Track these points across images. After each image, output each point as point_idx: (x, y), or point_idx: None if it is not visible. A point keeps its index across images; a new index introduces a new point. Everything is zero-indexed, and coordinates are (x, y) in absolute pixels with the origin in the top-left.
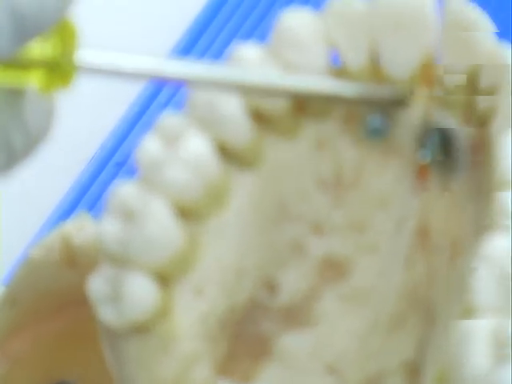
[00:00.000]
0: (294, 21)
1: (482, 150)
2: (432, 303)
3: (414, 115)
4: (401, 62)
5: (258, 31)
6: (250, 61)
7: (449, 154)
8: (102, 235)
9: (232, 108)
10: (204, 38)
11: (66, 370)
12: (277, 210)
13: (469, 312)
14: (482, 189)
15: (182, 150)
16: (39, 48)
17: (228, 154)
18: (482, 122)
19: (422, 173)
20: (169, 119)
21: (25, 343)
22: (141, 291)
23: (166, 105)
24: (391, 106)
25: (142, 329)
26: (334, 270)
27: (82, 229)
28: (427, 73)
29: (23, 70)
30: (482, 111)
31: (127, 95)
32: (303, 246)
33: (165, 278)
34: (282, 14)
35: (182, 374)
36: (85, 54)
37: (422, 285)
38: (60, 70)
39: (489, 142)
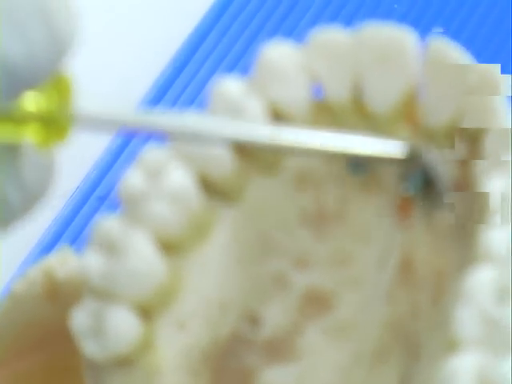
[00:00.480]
0: (276, 53)
1: (466, 187)
2: (416, 337)
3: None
4: (384, 97)
5: (240, 64)
6: (231, 94)
7: (432, 190)
8: (85, 269)
9: None
10: (186, 72)
11: None
12: (260, 244)
13: (452, 346)
14: (466, 225)
15: (165, 184)
16: (34, 101)
17: (210, 188)
18: (464, 160)
19: (404, 207)
20: (151, 152)
21: (6, 377)
22: (124, 324)
23: (148, 137)
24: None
25: (125, 362)
26: (317, 303)
27: (64, 263)
28: (410, 109)
29: (18, 124)
30: (464, 150)
31: None
32: (286, 280)
33: (147, 312)
34: (264, 47)
35: None
36: (80, 107)
37: (406, 319)
38: (56, 123)
39: (473, 181)
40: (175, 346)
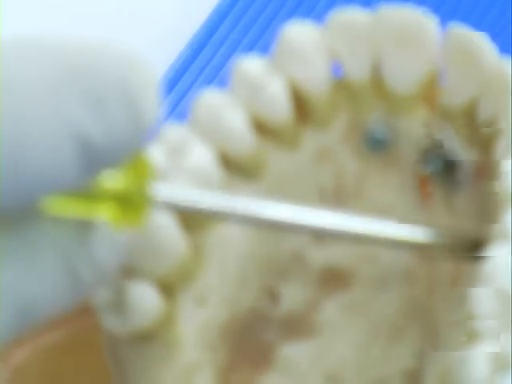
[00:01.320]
0: (297, 33)
1: (485, 172)
2: (432, 314)
3: (417, 129)
4: (403, 78)
5: (260, 43)
6: (252, 72)
7: (451, 171)
8: None
9: (236, 119)
10: (205, 52)
11: (68, 380)
12: None
13: (470, 327)
14: (484, 209)
15: (186, 161)
16: (112, 180)
17: (231, 165)
18: (484, 144)
19: (424, 186)
20: (173, 130)
21: (26, 353)
22: (145, 300)
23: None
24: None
25: (145, 337)
26: (334, 280)
27: None
28: (429, 90)
29: (94, 201)
30: (484, 134)
31: None
32: (304, 257)
33: (168, 288)
34: (284, 27)
35: (183, 383)
36: (158, 188)
37: (423, 297)
38: (133, 204)
39: (492, 166)
40: (195, 321)
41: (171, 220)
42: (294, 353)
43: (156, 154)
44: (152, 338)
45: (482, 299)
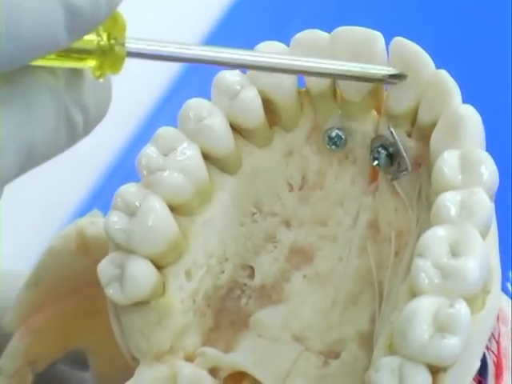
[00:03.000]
0: (268, 51)
1: (423, 161)
2: (382, 284)
3: (367, 129)
4: (356, 87)
5: None
6: (229, 84)
7: (395, 162)
8: (109, 227)
9: (216, 123)
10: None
11: (80, 340)
12: (253, 207)
13: (412, 291)
14: (422, 193)
15: (177, 158)
16: (94, 36)
17: (212, 161)
18: (423, 137)
19: (373, 175)
20: (165, 131)
21: (45, 318)
22: (141, 273)
23: None
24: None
25: (141, 304)
26: (300, 256)
27: (93, 223)
28: (377, 97)
29: (80, 54)
30: (423, 129)
31: None
32: (275, 237)
33: (161, 263)
34: (258, 46)
35: (175, 342)
36: (133, 42)
37: (374, 269)
38: (112, 56)
39: (428, 155)
40: (183, 292)
41: (164, 206)
42: (267, 317)
43: (151, 151)
44: (147, 305)
45: (422, 270)
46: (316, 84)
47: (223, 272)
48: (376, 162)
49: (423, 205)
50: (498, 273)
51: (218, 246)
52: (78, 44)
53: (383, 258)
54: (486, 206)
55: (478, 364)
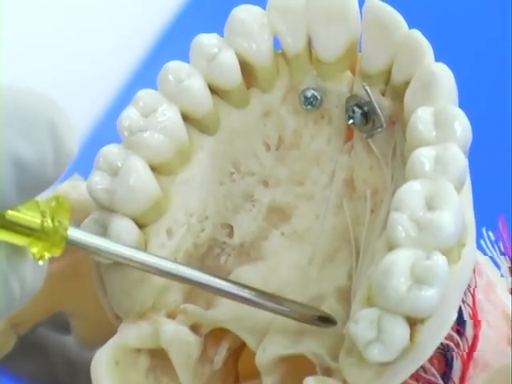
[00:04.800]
0: (244, 14)
1: (397, 119)
2: (359, 241)
3: (342, 89)
4: (330, 48)
5: None
6: (207, 46)
7: (369, 120)
8: (92, 187)
9: (196, 84)
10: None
11: (63, 303)
12: (232, 167)
13: (389, 245)
14: (397, 150)
15: (157, 119)
16: (38, 218)
17: (191, 121)
18: (397, 96)
19: (348, 134)
20: (145, 93)
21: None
22: (124, 231)
23: None
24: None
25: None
26: (278, 214)
27: (75, 187)
28: (351, 57)
29: (24, 235)
30: (397, 88)
31: None
32: (253, 196)
33: (143, 222)
34: (235, 9)
35: (157, 300)
36: (73, 230)
37: (350, 226)
38: (54, 238)
39: (402, 113)
40: (165, 249)
41: (145, 166)
42: (246, 274)
43: (131, 113)
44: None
45: (399, 223)
46: (292, 46)
47: (203, 230)
48: (351, 121)
49: (398, 162)
50: (472, 226)
51: (198, 204)
52: (22, 220)
53: (359, 216)
54: (460, 160)
55: (455, 315)
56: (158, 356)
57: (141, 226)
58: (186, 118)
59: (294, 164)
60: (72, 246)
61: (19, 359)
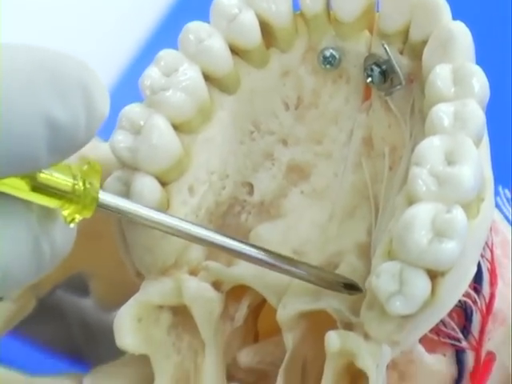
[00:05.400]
0: None
1: (416, 77)
2: (378, 197)
3: (360, 48)
4: (348, 8)
5: None
6: (227, 6)
7: (388, 78)
8: (115, 146)
9: (216, 44)
10: None
11: (82, 264)
12: (252, 126)
13: (410, 199)
14: (415, 107)
15: (178, 78)
16: (70, 182)
17: (212, 81)
18: (415, 55)
19: (366, 93)
20: (166, 53)
21: None
22: (147, 189)
23: None
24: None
25: None
26: (297, 173)
27: (94, 147)
28: (369, 18)
29: (55, 197)
30: (415, 46)
31: None
32: (273, 155)
33: (165, 180)
34: None
35: (179, 257)
36: (103, 193)
37: (369, 183)
38: (84, 201)
39: (420, 71)
40: (187, 206)
41: (167, 124)
42: (266, 232)
43: (154, 72)
44: None
45: (419, 178)
46: (310, 7)
47: (224, 188)
48: (370, 79)
49: (416, 119)
50: (490, 182)
51: (219, 163)
52: (54, 183)
53: (378, 173)
54: (478, 116)
55: (474, 269)
56: (180, 313)
57: (163, 183)
58: (206, 77)
59: (312, 123)
60: (102, 208)
61: (36, 323)
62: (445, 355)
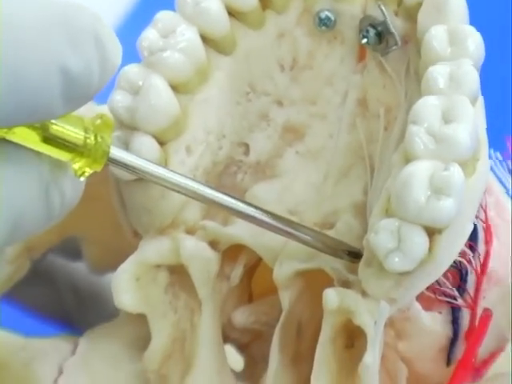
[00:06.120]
0: None
1: (410, 38)
2: (374, 157)
3: (355, 10)
4: None
5: None
6: None
7: (383, 39)
8: (113, 106)
9: (213, 6)
10: None
11: (76, 227)
12: (248, 87)
13: (407, 158)
14: (410, 68)
15: (176, 39)
16: (82, 135)
17: (209, 43)
18: (410, 17)
19: (361, 54)
20: (163, 15)
21: None
22: (145, 148)
23: None
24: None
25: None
26: (292, 133)
27: (89, 109)
28: None
29: (67, 150)
30: (410, 9)
31: None
32: (268, 116)
33: (163, 139)
34: None
35: (176, 217)
36: (114, 147)
37: (364, 143)
38: (95, 155)
39: (415, 33)
40: (184, 166)
41: (165, 84)
42: (262, 192)
43: (151, 33)
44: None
45: (417, 136)
46: None
47: (221, 149)
48: (365, 41)
49: (411, 79)
50: (485, 143)
51: (216, 123)
52: (66, 135)
53: (373, 133)
54: (473, 76)
55: (470, 227)
56: (177, 272)
57: (161, 143)
58: (203, 38)
59: (307, 84)
60: (112, 163)
61: (26, 287)
62: (440, 313)
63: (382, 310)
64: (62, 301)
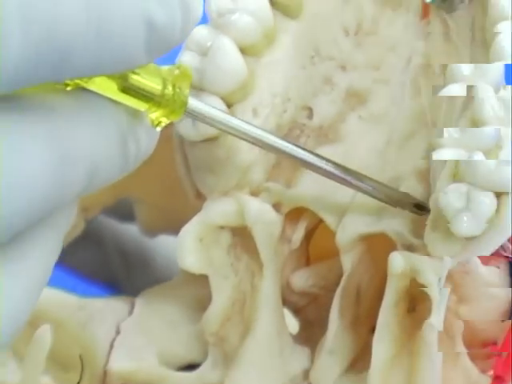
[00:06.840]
0: None
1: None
2: (436, 124)
3: None
4: None
5: None
6: None
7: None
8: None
9: None
10: None
11: (129, 188)
12: (313, 51)
13: (475, 123)
14: (475, 30)
15: (246, 2)
16: (160, 85)
17: (276, 6)
18: None
19: (424, 13)
20: None
21: None
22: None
23: None
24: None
25: (210, 141)
26: (355, 98)
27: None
28: None
29: (144, 100)
30: None
31: None
32: (332, 80)
33: (230, 101)
34: None
35: (241, 178)
36: (192, 98)
37: (427, 108)
38: (173, 106)
39: None
40: None
41: (234, 47)
42: (326, 155)
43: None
44: (215, 142)
45: (486, 101)
46: None
47: (286, 112)
48: (429, 1)
49: (477, 42)
50: None
51: (282, 86)
52: (144, 85)
53: (436, 100)
54: None
55: None
56: (239, 234)
57: (228, 105)
58: (271, 1)
59: (370, 50)
60: (190, 114)
61: (73, 249)
62: (498, 267)
63: (445, 265)
64: (110, 263)
